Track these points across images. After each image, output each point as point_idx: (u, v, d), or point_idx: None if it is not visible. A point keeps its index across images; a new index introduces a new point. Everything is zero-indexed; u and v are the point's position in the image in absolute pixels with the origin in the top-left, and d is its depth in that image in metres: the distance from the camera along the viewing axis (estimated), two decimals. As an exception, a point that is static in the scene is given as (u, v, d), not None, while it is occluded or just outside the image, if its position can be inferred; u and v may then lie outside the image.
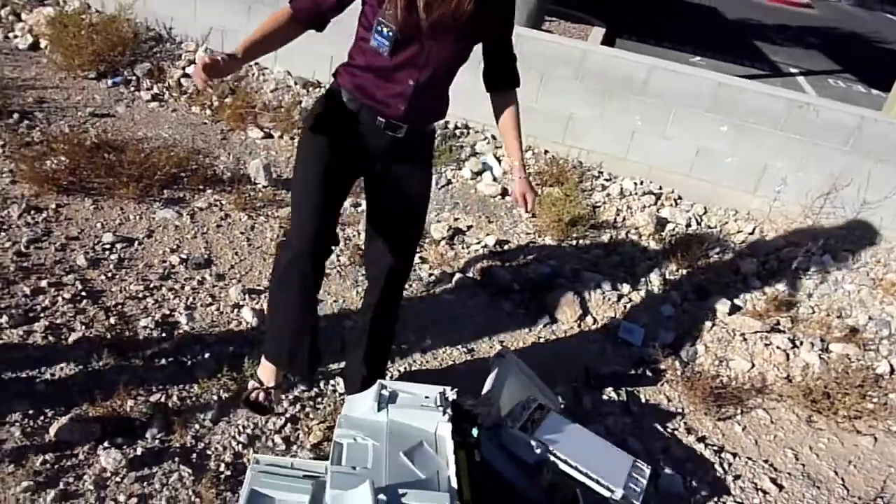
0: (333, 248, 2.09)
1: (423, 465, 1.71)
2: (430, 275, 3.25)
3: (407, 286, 3.11)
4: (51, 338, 2.35)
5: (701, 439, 2.64)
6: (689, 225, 4.06)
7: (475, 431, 1.91)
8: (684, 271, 3.60)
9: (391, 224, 2.13)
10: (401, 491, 1.58)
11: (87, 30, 4.38)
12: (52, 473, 1.87)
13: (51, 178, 3.18)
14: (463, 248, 3.51)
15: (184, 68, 4.56)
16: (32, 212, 3.00)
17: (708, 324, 3.27)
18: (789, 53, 11.14)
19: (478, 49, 2.02)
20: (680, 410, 2.78)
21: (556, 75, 4.25)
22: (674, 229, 3.99)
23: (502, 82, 2.06)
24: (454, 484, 1.66)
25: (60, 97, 4.05)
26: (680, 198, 4.31)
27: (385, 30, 1.80)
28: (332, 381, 2.47)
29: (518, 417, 2.11)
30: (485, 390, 2.20)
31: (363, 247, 2.44)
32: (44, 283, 2.60)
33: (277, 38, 1.86)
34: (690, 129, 4.16)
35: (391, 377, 2.54)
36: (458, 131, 4.46)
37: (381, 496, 1.52)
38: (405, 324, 2.84)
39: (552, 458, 2.02)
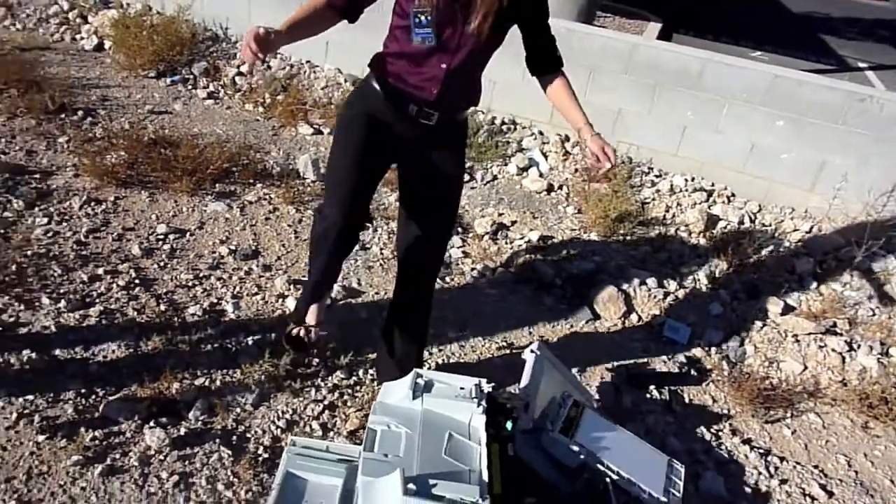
0: (368, 225, 2.12)
1: (455, 456, 1.71)
2: (472, 269, 3.25)
3: (448, 280, 3.13)
4: (104, 322, 2.45)
5: (746, 441, 2.57)
6: (741, 223, 3.95)
7: (509, 425, 1.91)
8: (735, 270, 3.50)
9: (424, 213, 2.15)
10: (431, 481, 1.59)
11: (148, 31, 4.55)
12: (100, 449, 1.96)
13: (110, 172, 3.32)
14: (506, 242, 3.49)
15: (238, 67, 4.69)
16: (93, 203, 3.14)
17: (758, 324, 3.17)
18: (858, 47, 10.67)
19: (515, 39, 2.02)
20: (725, 412, 2.71)
21: (606, 70, 4.19)
22: (725, 227, 3.88)
23: (547, 66, 2.09)
24: (485, 477, 1.65)
25: (122, 95, 4.22)
26: (733, 195, 4.19)
27: (423, 18, 1.83)
28: (371, 371, 2.50)
29: (556, 417, 2.09)
30: (521, 385, 2.19)
31: (396, 236, 2.46)
32: (100, 271, 2.71)
33: (315, 22, 1.89)
34: (745, 123, 4.04)
35: (428, 368, 2.55)
36: (504, 127, 4.45)
37: (411, 485, 1.54)
38: (444, 317, 2.86)
39: (594, 463, 2.00)
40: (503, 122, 4.46)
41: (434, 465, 1.66)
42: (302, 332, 2.30)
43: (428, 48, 1.87)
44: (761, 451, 2.53)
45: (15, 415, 2.00)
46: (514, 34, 2.03)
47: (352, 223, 2.04)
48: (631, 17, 8.32)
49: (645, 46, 4.15)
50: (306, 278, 2.36)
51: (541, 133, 4.44)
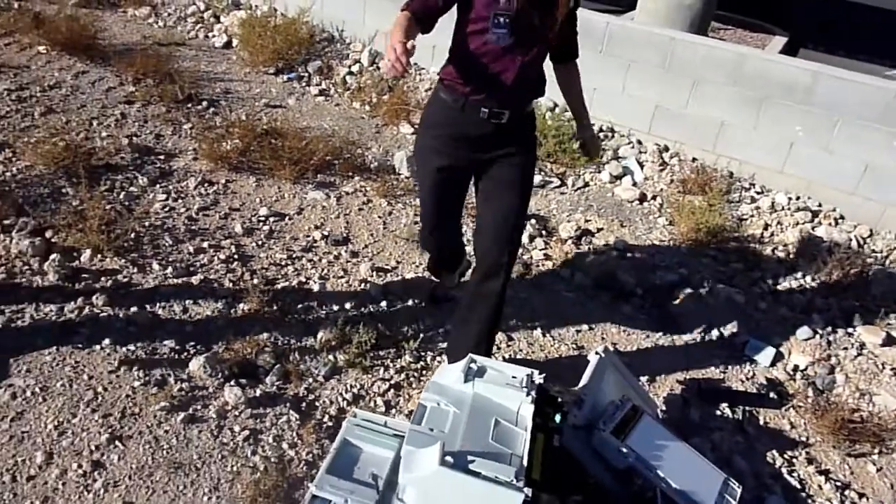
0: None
1: (499, 440, 1.77)
2: (553, 271, 3.28)
3: (526, 279, 3.18)
4: (203, 289, 2.70)
5: (823, 472, 2.44)
6: (848, 247, 3.72)
7: (557, 417, 1.94)
8: (834, 295, 3.31)
9: (497, 205, 2.21)
10: (470, 457, 1.66)
11: (271, 31, 4.90)
12: (184, 399, 2.17)
13: (224, 157, 3.62)
14: (590, 248, 3.49)
15: (349, 67, 4.95)
16: (206, 184, 3.44)
17: (853, 353, 2.99)
18: None
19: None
20: (803, 439, 2.58)
21: (709, 80, 4.08)
22: (829, 249, 3.67)
23: (567, 55, 2.26)
24: (525, 462, 1.70)
25: (243, 89, 4.57)
26: (842, 217, 3.95)
27: (502, 19, 1.94)
28: (438, 358, 2.59)
29: (611, 418, 2.09)
30: (581, 384, 2.20)
31: (473, 229, 2.54)
32: (205, 245, 2.98)
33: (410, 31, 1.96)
34: (858, 142, 3.80)
35: (506, 356, 2.61)
36: (602, 134, 4.43)
37: (449, 458, 1.61)
38: (518, 314, 2.91)
39: (642, 468, 1.99)
40: (601, 130, 4.44)
41: (476, 444, 1.72)
42: (440, 291, 2.84)
43: (502, 47, 1.97)
44: (839, 484, 2.40)
45: (117, 362, 2.26)
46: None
47: (442, 254, 2.52)
48: (754, 29, 7.98)
49: (753, 57, 4.00)
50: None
51: (639, 142, 4.39)
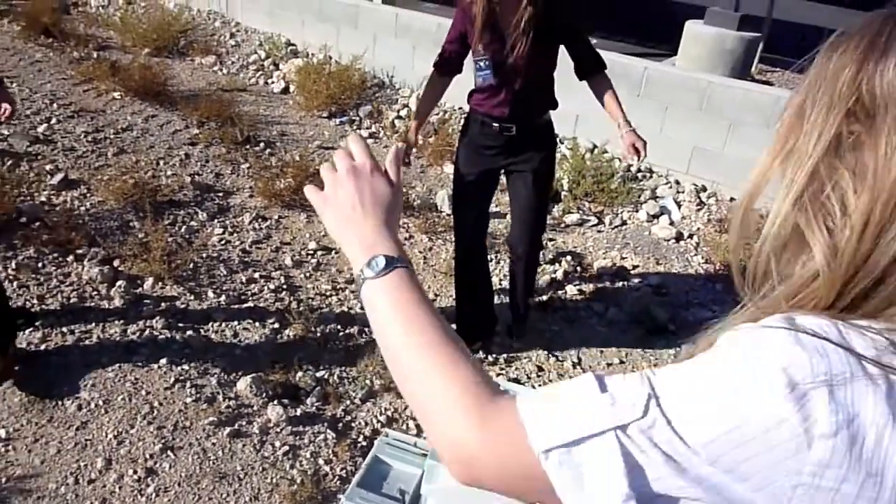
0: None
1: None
2: (587, 305, 3.37)
3: (560, 314, 3.27)
4: (253, 316, 2.90)
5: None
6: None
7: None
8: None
9: (521, 202, 2.67)
10: (490, 472, 1.77)
11: (326, 77, 5.21)
12: (231, 416, 2.34)
13: (278, 195, 3.87)
14: (624, 284, 3.57)
15: (398, 111, 5.21)
16: (260, 220, 3.69)
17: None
18: None
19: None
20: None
21: (747, 122, 4.15)
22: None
23: (590, 69, 2.57)
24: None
25: (298, 131, 4.87)
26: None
27: (482, 63, 2.40)
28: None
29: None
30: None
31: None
32: (257, 275, 3.20)
33: (438, 96, 2.70)
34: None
35: (536, 387, 2.71)
36: (640, 174, 4.53)
37: (469, 470, 1.72)
38: (550, 346, 3.01)
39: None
40: (639, 170, 4.54)
41: (497, 462, 1.83)
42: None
43: (491, 84, 2.41)
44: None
45: (172, 379, 2.45)
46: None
47: (476, 245, 2.81)
48: (802, 71, 7.96)
49: (787, 99, 4.05)
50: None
51: (677, 182, 4.46)
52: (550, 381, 2.83)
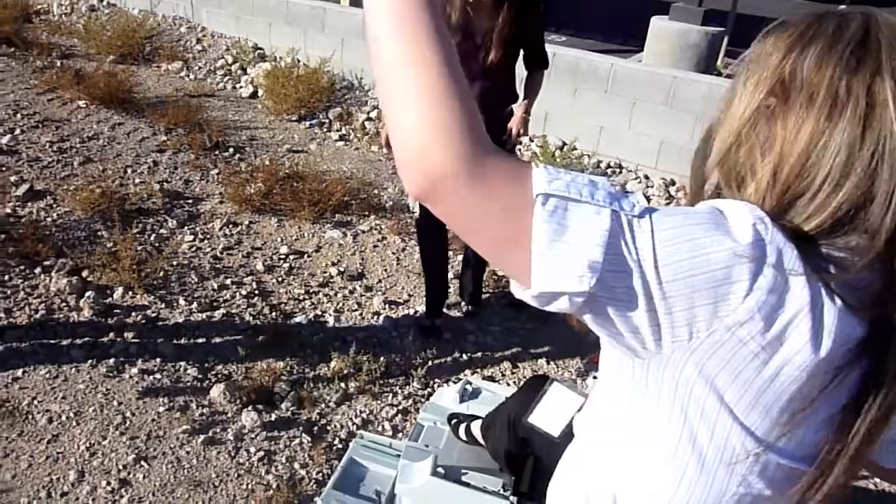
0: None
1: (490, 456, 1.89)
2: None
3: (532, 309, 3.31)
4: (225, 323, 2.89)
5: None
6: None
7: (550, 434, 2.05)
8: None
9: None
10: (462, 470, 1.79)
11: (294, 81, 5.19)
12: (205, 423, 2.34)
13: (248, 200, 3.85)
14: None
15: (368, 113, 5.21)
16: (230, 226, 3.67)
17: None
18: None
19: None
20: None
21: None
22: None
23: (535, 65, 2.77)
24: (512, 475, 1.82)
25: (267, 136, 4.85)
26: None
27: None
28: (448, 383, 2.72)
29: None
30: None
31: None
32: (228, 282, 3.18)
33: None
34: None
35: (510, 384, 2.73)
36: (609, 171, 4.58)
37: (441, 470, 1.74)
38: (524, 343, 3.03)
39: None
40: (609, 166, 4.60)
41: (469, 460, 1.85)
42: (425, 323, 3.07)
43: None
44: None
45: (144, 389, 2.44)
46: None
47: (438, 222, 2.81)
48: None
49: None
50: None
51: (646, 177, 4.52)
52: (524, 378, 2.86)
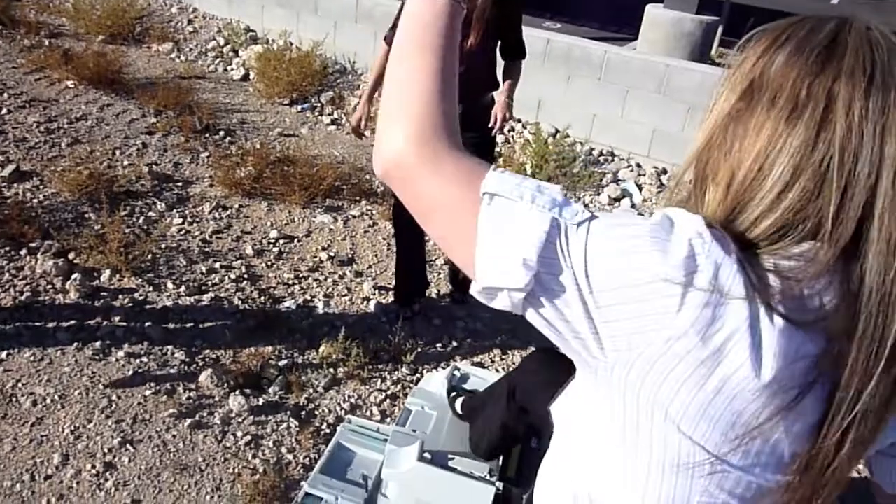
0: None
1: (479, 440, 1.89)
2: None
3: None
4: (213, 307, 2.87)
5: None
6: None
7: (537, 421, 2.05)
8: None
9: None
10: (449, 456, 1.79)
11: (286, 64, 5.14)
12: (192, 407, 2.32)
13: (238, 184, 3.82)
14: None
15: (360, 97, 5.16)
16: (220, 209, 3.64)
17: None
18: None
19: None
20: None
21: (704, 105, 4.21)
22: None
23: (513, 55, 2.76)
24: (500, 461, 1.82)
25: (258, 119, 4.80)
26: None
27: None
28: (437, 369, 2.72)
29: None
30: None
31: None
32: (217, 265, 3.16)
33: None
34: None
35: (500, 370, 2.74)
36: (602, 158, 4.57)
37: (427, 454, 1.74)
38: (514, 330, 3.03)
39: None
40: (601, 154, 4.58)
41: (456, 445, 1.85)
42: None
43: None
44: None
45: (131, 372, 2.42)
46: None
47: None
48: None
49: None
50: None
51: (638, 165, 4.51)
52: (514, 364, 2.86)
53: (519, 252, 0.60)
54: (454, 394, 1.99)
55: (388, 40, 2.70)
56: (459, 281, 3.17)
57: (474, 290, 0.65)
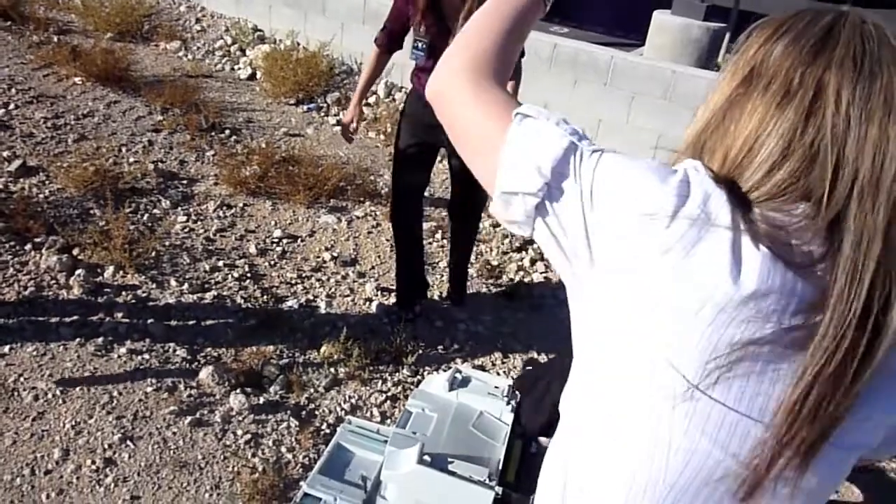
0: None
1: (478, 444, 1.89)
2: (552, 293, 3.40)
3: (525, 301, 3.30)
4: (216, 305, 2.87)
5: None
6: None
7: (537, 425, 2.05)
8: None
9: (461, 176, 2.82)
10: (449, 459, 1.79)
11: (293, 64, 5.15)
12: (192, 404, 2.33)
13: (243, 182, 3.83)
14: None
15: (367, 99, 5.17)
16: (225, 207, 3.64)
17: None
18: None
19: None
20: None
21: (711, 112, 4.21)
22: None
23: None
24: (500, 465, 1.82)
25: (264, 118, 4.81)
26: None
27: (420, 44, 2.49)
28: (438, 371, 2.72)
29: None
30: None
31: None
32: (220, 264, 3.16)
33: (377, 72, 2.77)
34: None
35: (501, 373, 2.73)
36: (607, 164, 4.56)
37: (427, 457, 1.74)
38: (516, 333, 3.03)
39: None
40: (606, 159, 4.58)
41: (456, 448, 1.85)
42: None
43: (428, 65, 2.48)
44: None
45: (133, 368, 2.43)
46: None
47: (412, 202, 2.89)
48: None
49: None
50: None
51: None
52: (514, 367, 2.86)
53: (537, 161, 0.68)
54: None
55: (379, 42, 2.68)
56: (459, 284, 3.17)
57: (494, 198, 0.72)
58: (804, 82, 0.66)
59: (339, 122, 4.46)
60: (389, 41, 2.66)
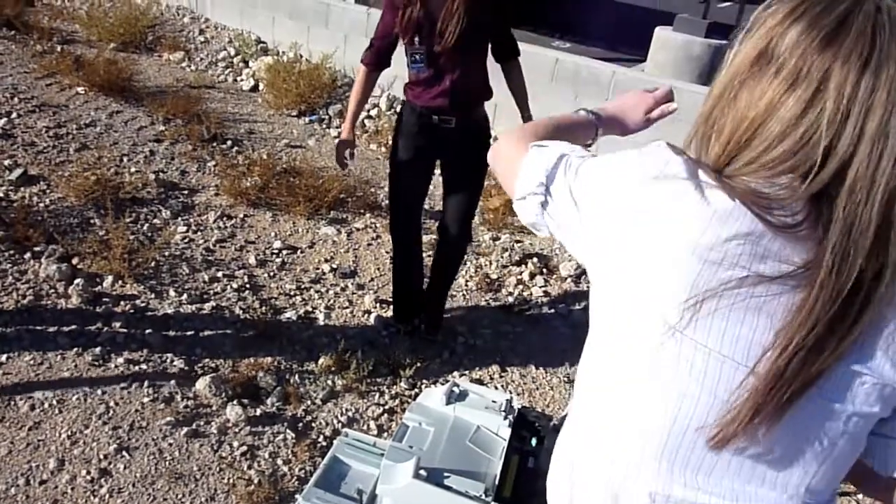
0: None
1: (474, 459, 1.89)
2: (551, 307, 3.40)
3: (524, 313, 3.30)
4: (214, 315, 2.87)
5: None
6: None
7: (534, 441, 2.04)
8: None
9: (455, 194, 2.75)
10: (445, 473, 1.78)
11: (296, 76, 5.18)
12: (189, 415, 2.32)
13: (244, 193, 3.84)
14: (589, 287, 3.60)
15: (368, 111, 5.19)
16: (225, 218, 3.65)
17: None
18: None
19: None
20: None
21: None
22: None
23: (506, 55, 2.63)
24: (497, 480, 1.81)
25: (266, 130, 4.83)
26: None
27: (417, 56, 2.42)
28: (436, 385, 2.71)
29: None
30: (564, 414, 2.30)
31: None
32: (219, 274, 3.17)
33: (368, 94, 2.73)
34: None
35: (499, 387, 2.72)
36: (607, 178, 4.57)
37: (423, 471, 1.73)
38: (514, 347, 3.03)
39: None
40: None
41: (453, 463, 1.84)
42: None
43: (427, 76, 2.44)
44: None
45: (130, 378, 2.42)
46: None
47: (411, 222, 2.86)
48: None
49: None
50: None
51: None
52: (513, 381, 2.85)
53: (538, 170, 0.87)
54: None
55: (366, 61, 2.62)
56: (436, 312, 3.02)
57: (514, 206, 0.93)
58: (811, 73, 0.69)
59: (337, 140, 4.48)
60: (377, 58, 2.60)
